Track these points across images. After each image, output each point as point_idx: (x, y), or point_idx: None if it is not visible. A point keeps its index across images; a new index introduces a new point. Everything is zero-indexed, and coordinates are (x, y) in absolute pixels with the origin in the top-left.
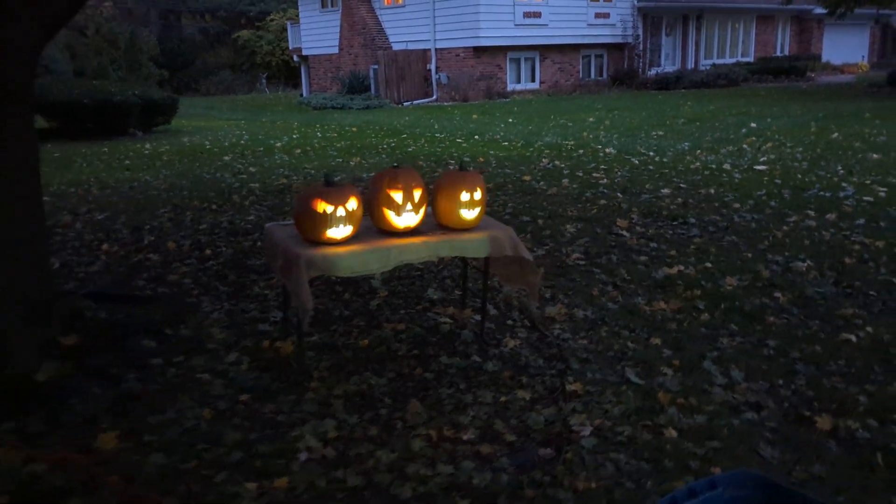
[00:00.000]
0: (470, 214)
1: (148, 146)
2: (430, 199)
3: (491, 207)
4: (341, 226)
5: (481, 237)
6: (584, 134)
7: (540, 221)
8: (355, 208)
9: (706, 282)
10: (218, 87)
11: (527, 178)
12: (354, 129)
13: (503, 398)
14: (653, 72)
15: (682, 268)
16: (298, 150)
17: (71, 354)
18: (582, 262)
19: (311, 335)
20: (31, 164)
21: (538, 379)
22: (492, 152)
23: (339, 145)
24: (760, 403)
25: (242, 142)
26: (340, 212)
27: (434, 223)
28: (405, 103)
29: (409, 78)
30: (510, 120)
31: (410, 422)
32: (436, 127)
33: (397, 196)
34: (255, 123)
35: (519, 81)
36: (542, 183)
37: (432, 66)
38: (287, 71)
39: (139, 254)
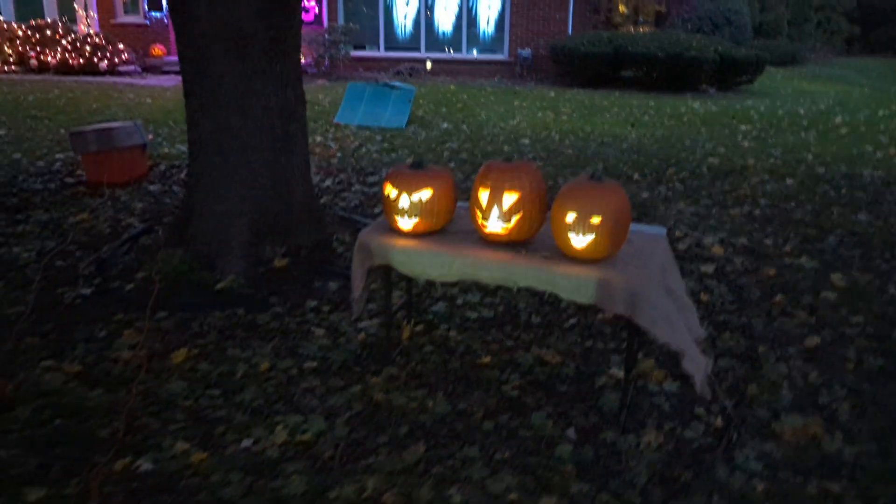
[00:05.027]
0: (578, 241)
1: (696, 105)
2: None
3: (828, 220)
4: (406, 217)
5: (585, 276)
6: None
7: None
8: (426, 200)
9: None
10: None
11: None
12: None
13: (513, 495)
14: None
15: None
16: (819, 127)
17: (269, 276)
18: None
19: (460, 331)
20: (279, 103)
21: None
22: None
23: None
24: None
25: (802, 111)
26: (404, 201)
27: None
28: None
29: None
30: None
31: (364, 463)
32: None
33: (483, 196)
34: (877, 92)
35: None
36: None
37: None
38: None
39: None
